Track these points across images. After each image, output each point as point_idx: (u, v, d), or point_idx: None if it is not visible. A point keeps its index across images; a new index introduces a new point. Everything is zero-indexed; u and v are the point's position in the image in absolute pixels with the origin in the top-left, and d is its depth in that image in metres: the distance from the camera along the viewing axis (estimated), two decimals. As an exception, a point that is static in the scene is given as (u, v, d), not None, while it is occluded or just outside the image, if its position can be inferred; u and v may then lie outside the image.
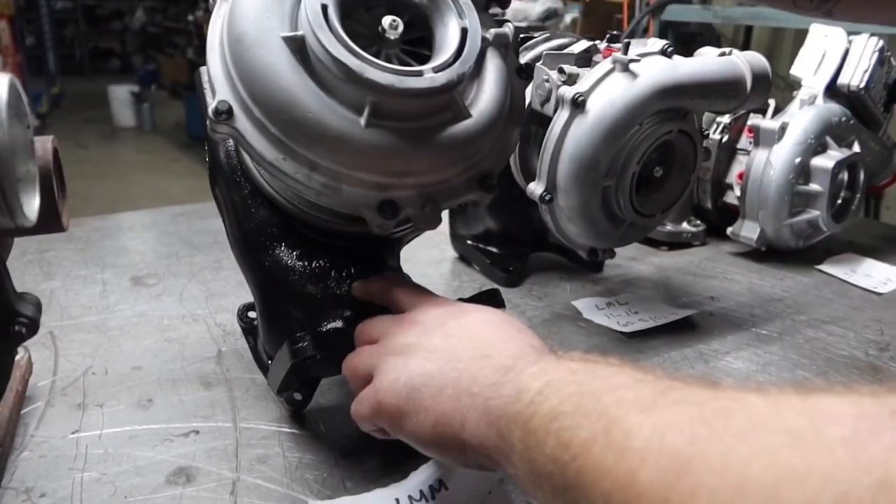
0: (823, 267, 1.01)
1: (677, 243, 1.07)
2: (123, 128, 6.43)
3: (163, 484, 0.53)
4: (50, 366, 0.69)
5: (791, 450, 0.25)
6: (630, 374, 0.35)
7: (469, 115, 0.49)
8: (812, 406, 0.27)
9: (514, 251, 0.96)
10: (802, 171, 0.96)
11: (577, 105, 0.71)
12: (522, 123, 0.55)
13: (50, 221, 0.45)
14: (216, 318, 0.80)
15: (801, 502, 0.23)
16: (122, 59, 10.00)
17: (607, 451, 0.31)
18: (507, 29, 0.53)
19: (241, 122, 0.46)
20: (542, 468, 0.34)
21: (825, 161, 0.96)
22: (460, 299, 0.55)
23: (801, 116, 0.98)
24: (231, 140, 0.49)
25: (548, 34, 0.90)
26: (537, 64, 0.77)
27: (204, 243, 1.02)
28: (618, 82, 0.72)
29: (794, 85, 1.07)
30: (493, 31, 0.52)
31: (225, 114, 0.45)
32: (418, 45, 0.51)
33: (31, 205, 0.45)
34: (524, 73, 0.56)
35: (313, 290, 0.56)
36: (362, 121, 0.45)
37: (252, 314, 0.65)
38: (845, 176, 1.02)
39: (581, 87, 0.72)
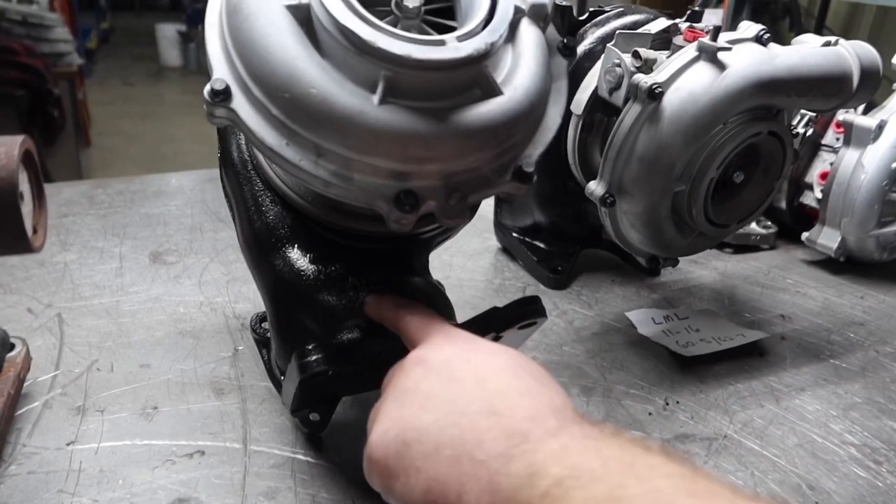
0: (909, 284, 0.90)
1: (744, 246, 0.97)
2: (169, 67, 6.37)
3: (159, 517, 0.48)
4: (53, 356, 0.64)
5: None
6: (670, 478, 0.29)
7: (500, 93, 0.41)
8: None
9: (563, 248, 0.87)
10: (899, 178, 0.85)
11: (654, 97, 0.61)
12: (565, 106, 0.47)
13: (16, 242, 0.37)
14: (235, 309, 0.74)
15: None
16: (173, -4, 9.93)
17: None
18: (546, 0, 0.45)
19: (240, 103, 0.40)
20: None
21: (927, 168, 0.85)
22: (494, 308, 0.49)
23: (904, 115, 0.86)
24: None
25: (621, 7, 0.79)
26: (608, 45, 0.67)
27: (230, 217, 0.95)
28: (703, 74, 0.62)
29: (894, 77, 0.94)
30: (529, 0, 0.44)
31: (222, 94, 0.39)
32: (443, 15, 0.44)
33: None
34: (567, 51, 0.48)
35: (327, 298, 0.50)
36: (375, 98, 0.38)
37: (266, 325, 0.59)
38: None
39: (659, 76, 0.62)
